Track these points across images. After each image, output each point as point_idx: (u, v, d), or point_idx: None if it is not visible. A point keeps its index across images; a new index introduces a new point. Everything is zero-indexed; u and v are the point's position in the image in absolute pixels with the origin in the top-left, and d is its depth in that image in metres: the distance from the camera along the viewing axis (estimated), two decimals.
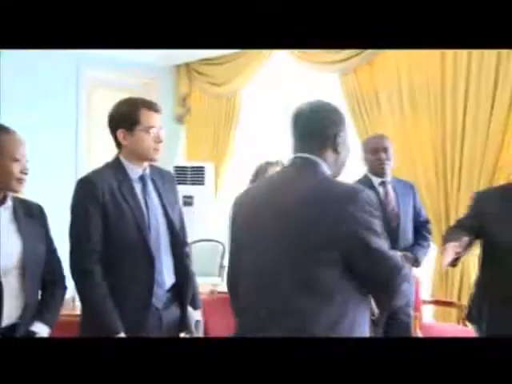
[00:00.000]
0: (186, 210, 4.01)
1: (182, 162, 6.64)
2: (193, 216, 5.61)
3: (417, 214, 3.56)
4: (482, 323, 2.69)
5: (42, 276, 2.27)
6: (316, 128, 1.83)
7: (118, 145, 2.35)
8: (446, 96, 4.43)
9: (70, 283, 2.33)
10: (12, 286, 2.13)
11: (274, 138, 5.87)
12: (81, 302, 2.29)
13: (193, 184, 6.21)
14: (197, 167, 6.29)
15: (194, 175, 6.25)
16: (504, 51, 4.05)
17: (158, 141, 2.32)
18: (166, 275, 2.34)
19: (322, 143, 1.82)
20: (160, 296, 2.31)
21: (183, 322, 2.42)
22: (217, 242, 5.92)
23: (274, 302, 1.71)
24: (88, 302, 2.25)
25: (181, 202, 2.58)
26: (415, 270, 3.47)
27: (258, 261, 1.77)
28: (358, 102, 5.04)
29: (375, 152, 3.43)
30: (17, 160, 2.14)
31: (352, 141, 1.97)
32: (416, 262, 3.41)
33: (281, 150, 5.28)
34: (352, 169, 2.43)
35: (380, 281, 1.69)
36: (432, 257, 4.23)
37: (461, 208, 4.01)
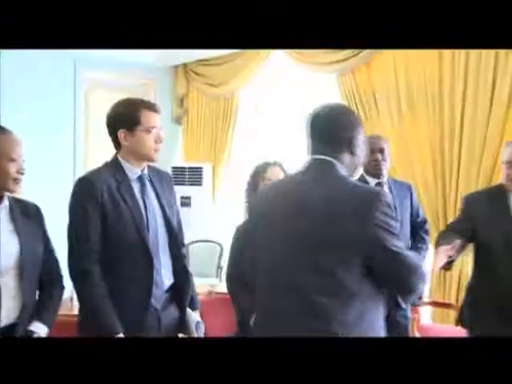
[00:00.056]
0: (183, 210, 4.01)
1: (180, 162, 6.63)
2: (191, 217, 5.61)
3: (414, 214, 3.55)
4: (473, 326, 2.68)
5: (39, 276, 2.27)
6: (334, 131, 1.89)
7: (117, 145, 2.35)
8: (444, 96, 4.42)
9: (67, 283, 2.32)
10: (9, 286, 2.13)
11: (271, 138, 5.88)
12: (79, 302, 2.29)
13: (191, 185, 6.20)
14: (194, 168, 6.28)
15: (192, 176, 6.25)
16: (502, 51, 4.05)
17: (159, 141, 2.33)
18: (165, 275, 2.34)
19: (339, 145, 1.87)
20: (158, 296, 2.31)
21: (182, 323, 2.42)
22: (214, 242, 5.92)
23: (295, 301, 1.76)
24: (87, 302, 2.24)
25: (179, 202, 2.58)
26: None
27: (279, 260, 1.81)
28: (355, 103, 5.04)
29: (371, 153, 3.43)
30: (13, 160, 2.14)
31: None
32: None
33: (279, 150, 5.31)
34: None
35: (397, 280, 1.77)
36: (430, 258, 4.23)
37: (459, 208, 4.01)
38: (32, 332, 2.17)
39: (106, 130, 2.37)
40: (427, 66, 4.51)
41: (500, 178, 2.71)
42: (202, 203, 6.22)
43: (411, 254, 1.80)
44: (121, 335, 2.17)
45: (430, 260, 4.26)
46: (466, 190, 4.10)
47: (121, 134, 2.30)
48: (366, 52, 4.85)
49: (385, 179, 3.46)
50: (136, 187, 2.33)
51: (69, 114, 5.90)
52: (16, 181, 2.16)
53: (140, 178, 2.35)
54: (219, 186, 6.42)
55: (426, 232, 3.59)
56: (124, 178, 2.31)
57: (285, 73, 5.71)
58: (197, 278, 2.54)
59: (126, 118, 2.30)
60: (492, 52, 4.11)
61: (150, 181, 2.39)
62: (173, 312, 2.39)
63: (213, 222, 6.19)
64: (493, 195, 2.67)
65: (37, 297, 2.28)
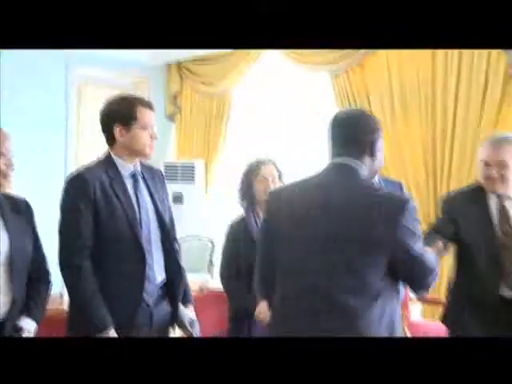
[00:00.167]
0: (175, 207, 4.00)
1: (172, 159, 6.62)
2: (182, 213, 5.60)
3: None
4: (454, 326, 2.69)
5: (28, 272, 2.26)
6: (357, 135, 1.94)
7: (111, 141, 2.35)
8: (437, 96, 4.44)
9: (57, 279, 2.31)
10: None
11: (264, 136, 5.87)
12: (69, 298, 2.29)
13: (183, 181, 6.19)
14: (187, 165, 6.27)
15: (184, 173, 6.24)
16: (494, 51, 4.07)
17: (153, 138, 2.35)
18: (157, 271, 2.34)
19: (361, 149, 1.93)
20: (151, 292, 2.31)
21: (174, 319, 2.42)
22: (206, 239, 5.93)
23: (321, 300, 1.79)
24: (77, 298, 2.23)
25: (171, 199, 2.58)
26: None
27: (306, 261, 1.85)
28: (349, 103, 5.05)
29: None
30: (1, 154, 2.14)
31: None
32: None
33: (271, 148, 5.31)
34: None
35: (415, 279, 1.90)
36: None
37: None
38: (21, 327, 2.17)
39: (98, 127, 2.37)
40: (420, 66, 4.53)
41: (477, 177, 2.70)
42: (194, 200, 6.21)
43: (430, 257, 1.90)
44: (112, 330, 2.17)
45: None
46: None
47: (116, 129, 2.30)
48: (359, 52, 4.86)
49: (376, 178, 3.46)
50: (129, 184, 2.33)
51: (61, 111, 5.86)
52: (4, 175, 2.16)
53: (133, 175, 2.36)
54: (211, 183, 6.41)
55: None
56: (117, 174, 2.31)
57: (279, 72, 5.70)
58: (188, 273, 2.54)
59: (122, 114, 2.30)
60: (484, 53, 4.12)
61: (143, 177, 2.40)
62: (165, 308, 2.39)
63: (205, 218, 6.19)
64: (472, 195, 2.68)
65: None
